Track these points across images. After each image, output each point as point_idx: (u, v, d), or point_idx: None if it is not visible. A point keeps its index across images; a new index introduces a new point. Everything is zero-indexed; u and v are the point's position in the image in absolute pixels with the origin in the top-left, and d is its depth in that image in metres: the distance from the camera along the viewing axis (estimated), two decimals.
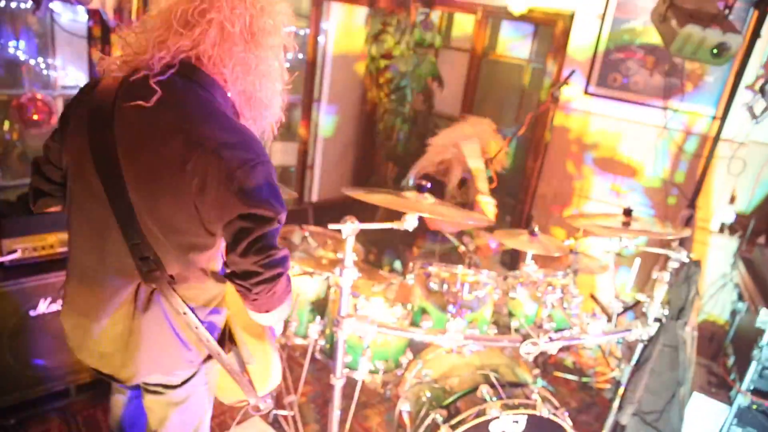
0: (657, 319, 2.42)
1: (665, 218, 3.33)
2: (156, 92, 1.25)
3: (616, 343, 3.19)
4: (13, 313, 2.38)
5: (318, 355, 2.70)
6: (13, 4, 3.03)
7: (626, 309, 2.78)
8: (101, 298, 1.37)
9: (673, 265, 2.45)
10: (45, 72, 3.31)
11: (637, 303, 2.74)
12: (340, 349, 2.18)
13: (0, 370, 2.40)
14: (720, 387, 2.77)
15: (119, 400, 1.72)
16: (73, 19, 3.13)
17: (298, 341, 2.79)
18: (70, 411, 2.62)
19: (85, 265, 1.40)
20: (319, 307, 2.77)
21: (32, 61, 3.25)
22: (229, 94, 1.37)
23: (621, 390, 2.54)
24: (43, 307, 2.46)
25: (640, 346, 2.46)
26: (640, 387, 2.50)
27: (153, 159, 1.25)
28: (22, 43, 3.19)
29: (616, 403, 2.56)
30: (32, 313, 2.43)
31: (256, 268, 1.27)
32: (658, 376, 2.52)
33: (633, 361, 2.50)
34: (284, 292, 1.35)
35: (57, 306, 2.48)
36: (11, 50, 3.15)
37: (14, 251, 2.43)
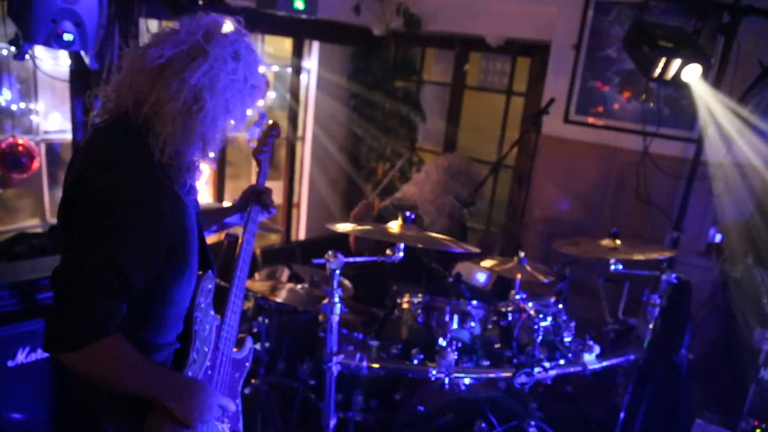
0: (651, 343, 2.40)
1: (652, 241, 3.34)
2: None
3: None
4: None
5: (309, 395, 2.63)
6: None
7: (619, 334, 2.75)
8: None
9: (663, 287, 2.44)
10: (27, 117, 3.30)
11: (630, 328, 2.72)
12: (331, 387, 2.12)
13: None
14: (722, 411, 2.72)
15: None
16: (55, 63, 3.15)
17: (287, 382, 2.73)
18: None
19: None
20: (308, 346, 2.71)
21: (14, 107, 3.24)
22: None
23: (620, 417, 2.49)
24: (22, 357, 2.38)
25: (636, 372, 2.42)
26: (639, 414, 2.45)
27: None
28: (4, 90, 3.19)
29: None
30: (10, 363, 2.35)
31: None
32: (657, 402, 2.47)
33: (630, 388, 2.46)
34: None
35: (36, 355, 2.40)
36: None
37: None
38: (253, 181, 1.85)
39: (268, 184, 1.84)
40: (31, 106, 3.30)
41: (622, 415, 2.52)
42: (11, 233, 3.16)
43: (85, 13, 2.54)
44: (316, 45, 4.49)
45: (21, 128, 3.29)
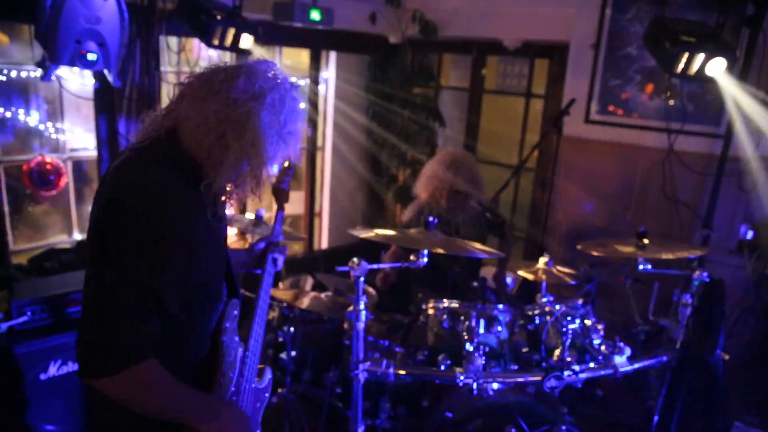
0: (684, 344, 2.34)
1: (680, 240, 3.26)
2: None
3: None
4: (22, 377, 2.34)
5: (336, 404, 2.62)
6: (24, 73, 3.14)
7: (650, 335, 2.68)
8: None
9: (694, 286, 2.38)
10: (54, 136, 3.39)
11: (662, 329, 2.65)
12: (358, 395, 2.11)
13: None
14: (762, 414, 2.64)
15: None
16: (81, 83, 3.23)
17: (314, 391, 2.72)
18: None
19: None
20: (333, 355, 2.71)
21: (42, 127, 3.33)
22: None
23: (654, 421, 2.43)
24: (54, 370, 2.42)
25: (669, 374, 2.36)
26: (674, 417, 2.38)
27: None
28: (32, 110, 3.28)
29: None
30: (42, 376, 2.39)
31: None
32: (691, 405, 2.40)
33: (663, 390, 2.40)
34: None
35: (68, 368, 2.44)
36: (21, 117, 3.23)
37: (24, 314, 2.41)
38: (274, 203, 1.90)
39: (290, 194, 1.90)
40: (58, 125, 3.39)
41: (655, 418, 2.46)
42: (41, 249, 3.24)
43: (107, 33, 2.61)
44: (333, 55, 4.53)
45: (48, 147, 3.38)
